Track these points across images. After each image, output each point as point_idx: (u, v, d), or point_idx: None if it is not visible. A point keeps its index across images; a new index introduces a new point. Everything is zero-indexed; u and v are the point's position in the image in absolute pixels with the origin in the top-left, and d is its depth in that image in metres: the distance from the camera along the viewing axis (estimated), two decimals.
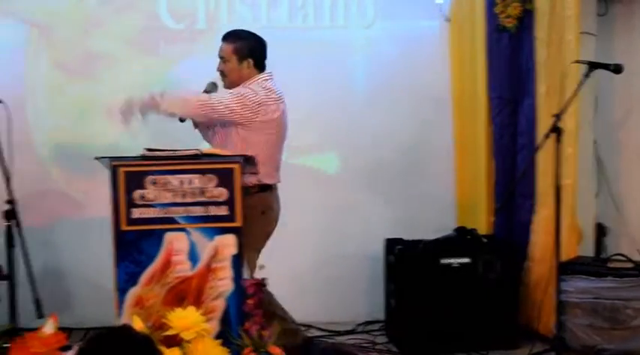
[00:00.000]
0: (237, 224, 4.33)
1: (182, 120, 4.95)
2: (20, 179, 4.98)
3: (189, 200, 4.31)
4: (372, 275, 6.31)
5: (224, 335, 4.22)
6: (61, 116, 6.31)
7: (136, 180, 4.28)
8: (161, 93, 4.78)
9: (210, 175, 4.32)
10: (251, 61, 5.01)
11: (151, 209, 4.29)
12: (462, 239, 5.87)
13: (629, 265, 5.57)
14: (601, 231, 6.38)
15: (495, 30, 6.14)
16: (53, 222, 6.26)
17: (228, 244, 4.30)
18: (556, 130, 4.96)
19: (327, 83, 6.42)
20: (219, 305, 4.29)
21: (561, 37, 5.81)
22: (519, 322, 5.85)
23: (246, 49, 5.02)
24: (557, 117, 4.98)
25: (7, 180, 4.73)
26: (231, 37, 5.07)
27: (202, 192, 4.31)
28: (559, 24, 5.82)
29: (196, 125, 5.11)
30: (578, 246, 5.95)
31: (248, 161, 4.51)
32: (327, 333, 6.16)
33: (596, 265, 5.65)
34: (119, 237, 4.28)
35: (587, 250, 6.16)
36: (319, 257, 6.48)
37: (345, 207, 6.50)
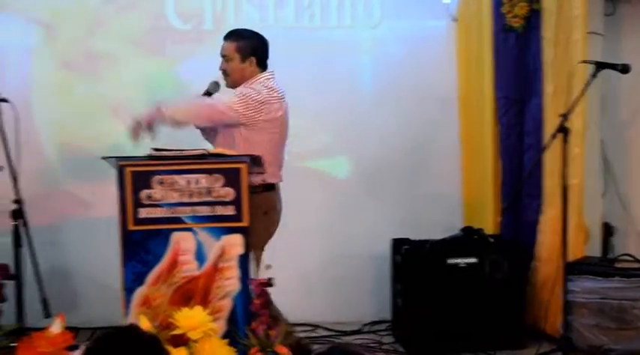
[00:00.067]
0: (244, 224, 4.33)
1: None
2: (27, 179, 4.99)
3: (195, 200, 4.31)
4: (379, 276, 6.31)
5: (231, 335, 4.22)
6: (68, 116, 6.32)
7: (142, 180, 4.29)
8: (167, 104, 4.80)
9: (216, 175, 4.32)
10: (254, 59, 5.01)
11: (158, 209, 4.29)
12: (468, 239, 5.87)
13: (637, 265, 5.56)
14: (608, 230, 6.36)
15: (502, 30, 6.14)
16: (60, 221, 6.28)
17: (234, 244, 4.30)
18: (563, 130, 4.95)
19: (334, 83, 6.42)
20: (226, 304, 4.30)
21: (568, 36, 5.80)
22: (526, 322, 5.85)
23: (249, 48, 5.01)
24: (564, 117, 4.98)
25: (15, 179, 4.74)
26: (233, 35, 5.07)
27: (209, 191, 4.31)
28: (566, 24, 5.81)
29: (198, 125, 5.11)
30: (585, 245, 5.94)
31: (255, 161, 4.51)
32: (333, 333, 6.16)
33: (603, 265, 5.63)
34: (126, 236, 4.29)
35: (594, 250, 6.14)
36: (326, 257, 6.48)
37: (352, 207, 6.50)
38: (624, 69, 5.07)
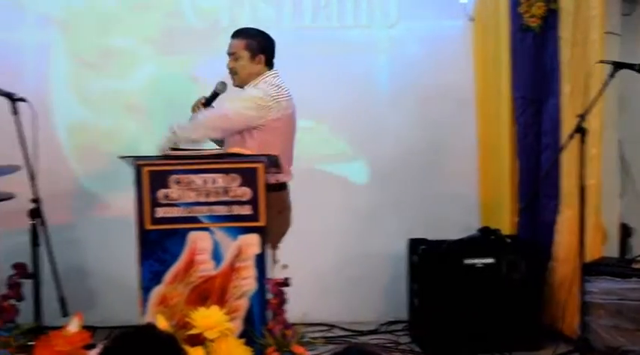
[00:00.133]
0: (261, 223, 4.33)
1: None
2: (45, 178, 5.00)
3: (212, 199, 4.31)
4: (396, 276, 6.31)
5: (247, 335, 4.22)
6: (85, 115, 6.36)
7: (159, 180, 4.29)
8: (178, 125, 4.82)
9: (233, 174, 4.31)
10: (262, 57, 5.01)
11: (175, 208, 4.29)
12: (485, 239, 5.86)
13: None
14: (626, 231, 6.34)
15: (519, 29, 6.12)
16: (78, 220, 6.31)
17: (251, 243, 4.30)
18: (580, 130, 4.95)
19: (350, 83, 6.43)
20: (243, 304, 4.29)
21: (586, 36, 5.77)
22: (543, 323, 5.84)
23: (258, 46, 5.01)
24: (582, 117, 4.97)
25: (32, 178, 4.75)
26: (242, 33, 5.07)
27: (226, 191, 4.31)
28: (583, 24, 5.79)
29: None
30: (602, 246, 5.92)
31: (272, 162, 4.51)
32: (350, 333, 6.17)
33: (621, 266, 5.61)
34: (143, 236, 4.29)
35: (612, 251, 6.12)
36: (342, 257, 6.48)
37: (369, 207, 6.50)
38: None
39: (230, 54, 5.05)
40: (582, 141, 4.97)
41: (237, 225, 4.30)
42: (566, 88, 5.88)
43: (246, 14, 6.36)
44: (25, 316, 4.48)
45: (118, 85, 6.34)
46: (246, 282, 4.29)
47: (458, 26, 6.52)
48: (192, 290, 4.28)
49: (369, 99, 6.48)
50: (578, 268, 5.19)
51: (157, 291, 4.27)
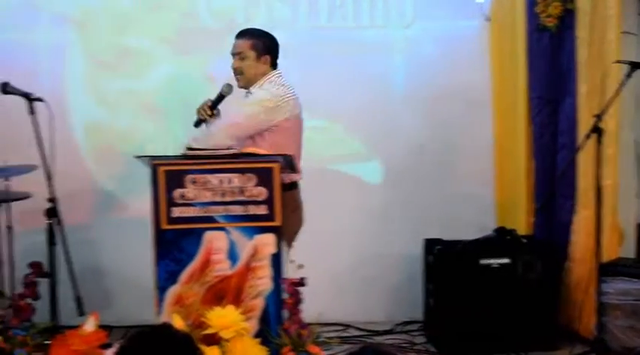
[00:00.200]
0: (277, 223, 4.33)
1: (197, 125, 4.97)
2: (62, 177, 5.02)
3: (228, 199, 4.31)
4: (411, 276, 6.30)
5: (263, 334, 4.22)
6: (101, 115, 6.38)
7: (176, 179, 4.30)
8: (193, 138, 4.82)
9: (249, 174, 4.32)
10: (268, 58, 5.00)
11: (191, 208, 4.30)
12: (501, 239, 5.84)
13: None
14: None
15: (536, 29, 6.10)
16: (94, 220, 6.33)
17: (267, 243, 4.30)
18: (597, 131, 4.94)
19: (366, 83, 6.42)
20: (259, 304, 4.29)
21: (602, 36, 5.75)
22: (559, 323, 5.81)
23: (264, 46, 5.00)
24: (598, 117, 4.96)
25: (49, 178, 4.77)
26: (247, 33, 5.05)
27: (242, 191, 4.32)
28: (600, 23, 5.77)
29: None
30: (619, 246, 5.90)
31: (287, 162, 4.51)
32: (365, 333, 6.16)
33: (638, 267, 5.59)
34: (159, 235, 4.30)
35: (629, 251, 6.10)
36: (357, 257, 6.48)
37: (384, 207, 6.50)
38: None
39: (235, 54, 5.03)
40: (599, 141, 4.96)
41: (253, 225, 4.31)
42: (583, 87, 5.86)
43: (262, 14, 6.36)
44: (41, 315, 4.49)
45: (133, 85, 6.36)
46: (262, 282, 4.30)
47: (474, 26, 6.50)
48: (208, 289, 4.29)
49: (384, 99, 6.47)
50: (594, 268, 5.18)
51: (172, 291, 4.28)
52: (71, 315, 4.63)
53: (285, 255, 4.57)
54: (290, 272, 4.40)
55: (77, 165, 6.28)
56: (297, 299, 4.25)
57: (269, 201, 4.32)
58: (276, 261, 4.31)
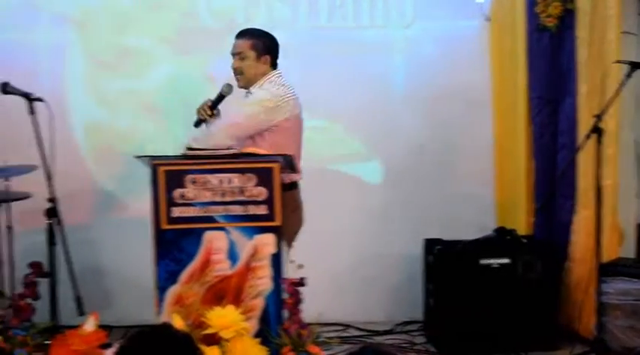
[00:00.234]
0: (277, 223, 4.33)
1: (197, 125, 4.97)
2: (62, 177, 5.02)
3: (228, 199, 4.31)
4: (411, 276, 6.30)
5: (263, 334, 4.22)
6: (101, 114, 6.38)
7: (175, 179, 4.30)
8: (193, 138, 4.82)
9: (249, 174, 4.31)
10: (268, 58, 4.99)
11: (191, 208, 4.30)
12: (501, 239, 5.84)
13: None
14: None
15: (536, 29, 6.10)
16: (94, 220, 6.33)
17: (267, 243, 4.30)
18: (597, 131, 4.94)
19: (366, 83, 6.42)
20: (259, 304, 4.29)
21: (602, 36, 5.76)
22: (559, 323, 5.81)
23: (264, 46, 5.00)
24: (598, 117, 4.96)
25: (49, 178, 4.77)
26: (247, 33, 5.05)
27: (242, 191, 4.32)
28: (600, 23, 5.77)
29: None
30: (619, 246, 5.90)
31: (287, 162, 4.51)
32: (365, 333, 6.16)
33: (638, 267, 5.59)
34: (159, 235, 4.30)
35: (629, 251, 6.11)
36: (358, 257, 6.48)
37: (384, 207, 6.50)
38: None
39: (235, 54, 5.02)
40: (599, 141, 4.96)
41: (253, 225, 4.31)
42: (583, 87, 5.86)
43: (262, 14, 6.36)
44: (41, 315, 4.49)
45: (133, 84, 6.36)
46: (262, 282, 4.30)
47: (474, 26, 6.50)
48: (208, 289, 4.29)
49: (384, 99, 6.47)
50: (594, 268, 5.18)
51: (172, 291, 4.28)
52: (71, 315, 4.63)
53: (285, 255, 4.56)
54: (290, 272, 4.40)
55: (77, 165, 6.28)
56: (297, 299, 4.25)
57: (269, 201, 4.32)
58: (276, 261, 4.31)
